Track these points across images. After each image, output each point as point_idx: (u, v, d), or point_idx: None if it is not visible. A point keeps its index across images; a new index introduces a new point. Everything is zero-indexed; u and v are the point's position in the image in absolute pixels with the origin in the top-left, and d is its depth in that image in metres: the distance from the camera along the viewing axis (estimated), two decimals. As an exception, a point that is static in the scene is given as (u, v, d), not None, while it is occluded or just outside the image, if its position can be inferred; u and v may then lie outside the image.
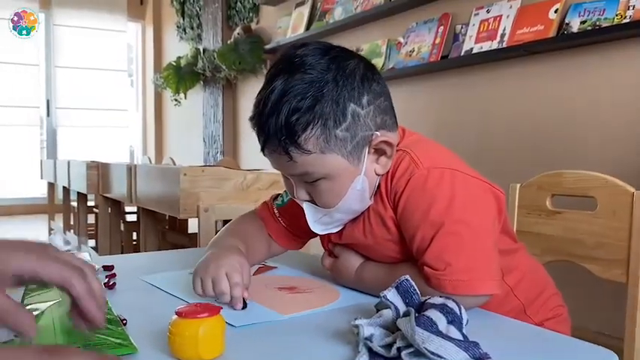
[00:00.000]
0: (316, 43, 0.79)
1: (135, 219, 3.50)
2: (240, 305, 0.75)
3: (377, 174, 0.81)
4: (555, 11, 2.19)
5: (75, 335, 0.59)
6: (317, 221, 0.85)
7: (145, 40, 6.64)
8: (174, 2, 5.68)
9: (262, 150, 0.80)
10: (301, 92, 0.74)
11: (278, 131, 0.74)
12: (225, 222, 2.51)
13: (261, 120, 0.76)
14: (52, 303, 0.68)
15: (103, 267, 0.94)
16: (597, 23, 2.04)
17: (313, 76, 0.75)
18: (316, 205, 0.82)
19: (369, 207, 0.84)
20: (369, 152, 0.79)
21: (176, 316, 0.58)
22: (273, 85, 0.75)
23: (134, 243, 3.40)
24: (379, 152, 0.80)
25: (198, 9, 5.25)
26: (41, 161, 5.12)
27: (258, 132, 0.79)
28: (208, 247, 0.90)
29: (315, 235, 0.96)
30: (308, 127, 0.74)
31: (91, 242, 3.56)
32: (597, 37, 2.06)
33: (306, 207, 0.84)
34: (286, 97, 0.74)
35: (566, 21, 2.15)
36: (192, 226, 2.89)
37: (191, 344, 0.56)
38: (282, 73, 0.76)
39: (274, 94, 0.75)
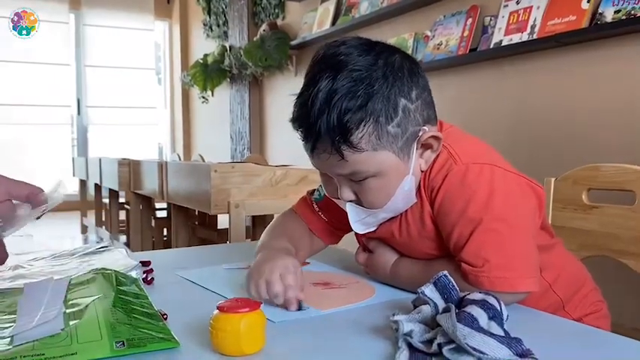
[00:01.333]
0: (357, 39, 0.78)
1: (165, 215, 3.56)
2: (295, 307, 0.74)
3: (422, 170, 0.81)
4: (588, 1, 2.15)
5: (118, 329, 0.61)
6: (359, 221, 0.84)
7: (172, 38, 6.71)
8: (200, 0, 5.72)
9: (312, 151, 0.78)
10: (351, 90, 0.72)
11: (330, 131, 0.73)
12: (255, 218, 2.53)
13: (309, 121, 0.74)
14: (95, 298, 0.69)
15: (141, 262, 0.96)
16: (632, 12, 1.99)
17: (361, 72, 0.73)
18: (360, 205, 0.81)
19: None
20: (417, 148, 0.78)
21: (217, 310, 0.59)
22: (318, 85, 0.73)
23: (165, 239, 3.45)
24: (425, 147, 0.79)
25: (224, 6, 5.29)
26: (73, 159, 5.23)
27: (306, 133, 0.77)
28: (257, 250, 0.90)
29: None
30: (360, 124, 0.73)
31: (123, 238, 3.62)
32: (632, 26, 2.00)
33: (349, 207, 0.83)
34: (336, 96, 0.72)
35: (600, 10, 2.10)
36: (222, 221, 2.92)
37: (233, 338, 0.57)
38: (326, 71, 0.74)
39: (322, 93, 0.73)
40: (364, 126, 0.73)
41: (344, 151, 0.74)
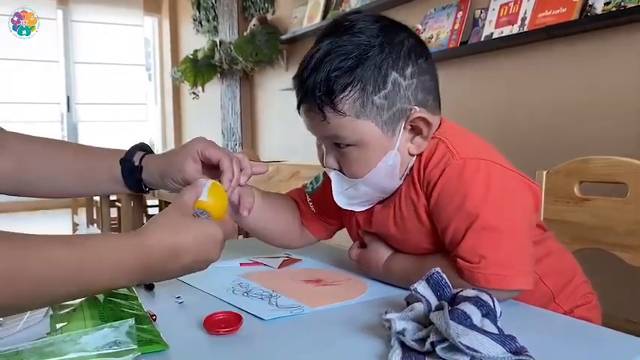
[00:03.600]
0: (370, 13, 0.80)
1: (157, 212, 3.54)
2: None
3: (410, 154, 0.80)
4: (578, -7, 2.14)
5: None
6: (342, 192, 0.83)
7: (162, 33, 6.66)
8: (190, -5, 5.68)
9: (298, 107, 0.80)
10: (345, 53, 0.74)
11: (316, 88, 0.74)
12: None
13: (302, 76, 0.77)
14: (83, 299, 0.68)
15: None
16: (622, 4, 1.99)
17: (361, 39, 0.75)
18: (344, 175, 0.81)
19: (400, 193, 0.82)
20: (404, 127, 0.78)
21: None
22: (319, 45, 0.76)
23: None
24: (415, 131, 0.78)
25: (213, 1, 5.25)
26: (63, 157, 5.18)
27: (297, 88, 0.78)
28: None
29: (344, 225, 0.96)
30: (346, 88, 0.74)
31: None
32: (622, 18, 2.01)
33: (333, 176, 0.83)
34: (330, 56, 0.74)
35: (590, 2, 2.10)
36: (214, 218, 2.90)
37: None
38: (331, 35, 0.76)
39: (319, 52, 0.75)
40: (350, 90, 0.74)
41: (326, 112, 0.75)
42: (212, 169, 0.84)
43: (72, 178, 0.89)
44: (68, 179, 0.89)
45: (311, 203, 0.98)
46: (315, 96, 0.75)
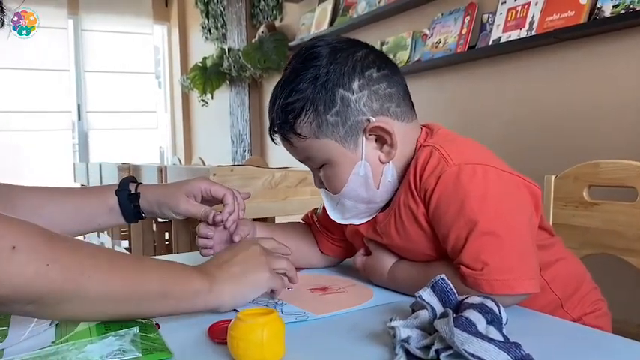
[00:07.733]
0: (331, 37, 0.83)
1: (166, 222, 3.55)
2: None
3: (381, 162, 0.82)
4: (586, -4, 2.13)
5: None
6: (334, 209, 0.88)
7: (171, 41, 6.70)
8: (199, 3, 5.71)
9: (270, 135, 0.85)
10: (298, 79, 0.78)
11: (276, 117, 0.80)
12: (255, 220, 2.51)
13: (269, 108, 0.83)
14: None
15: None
16: (631, 6, 1.97)
17: (312, 63, 0.79)
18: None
19: (399, 202, 0.82)
20: (366, 138, 0.80)
21: (237, 319, 0.57)
22: (284, 73, 0.81)
23: (166, 243, 3.44)
24: (381, 140, 0.80)
25: (222, 9, 5.28)
26: (74, 165, 5.22)
27: (269, 117, 0.84)
28: None
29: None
30: (301, 112, 0.78)
31: (125, 243, 3.62)
32: (631, 20, 1.99)
33: (323, 195, 0.88)
34: (286, 84, 0.79)
35: (598, 5, 2.08)
36: (223, 225, 2.90)
37: (256, 347, 0.55)
38: (291, 63, 0.81)
39: (280, 83, 0.80)
40: (304, 114, 0.78)
41: (289, 138, 0.81)
42: (209, 202, 0.95)
43: (66, 216, 0.92)
44: (62, 217, 0.92)
45: (317, 223, 1.01)
46: (277, 125, 0.81)
